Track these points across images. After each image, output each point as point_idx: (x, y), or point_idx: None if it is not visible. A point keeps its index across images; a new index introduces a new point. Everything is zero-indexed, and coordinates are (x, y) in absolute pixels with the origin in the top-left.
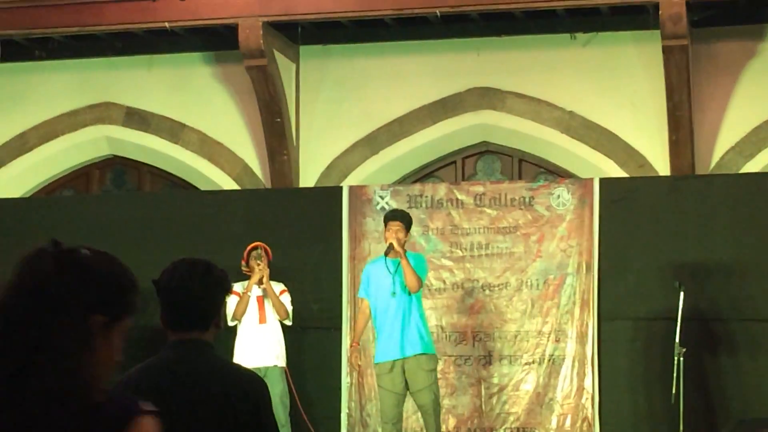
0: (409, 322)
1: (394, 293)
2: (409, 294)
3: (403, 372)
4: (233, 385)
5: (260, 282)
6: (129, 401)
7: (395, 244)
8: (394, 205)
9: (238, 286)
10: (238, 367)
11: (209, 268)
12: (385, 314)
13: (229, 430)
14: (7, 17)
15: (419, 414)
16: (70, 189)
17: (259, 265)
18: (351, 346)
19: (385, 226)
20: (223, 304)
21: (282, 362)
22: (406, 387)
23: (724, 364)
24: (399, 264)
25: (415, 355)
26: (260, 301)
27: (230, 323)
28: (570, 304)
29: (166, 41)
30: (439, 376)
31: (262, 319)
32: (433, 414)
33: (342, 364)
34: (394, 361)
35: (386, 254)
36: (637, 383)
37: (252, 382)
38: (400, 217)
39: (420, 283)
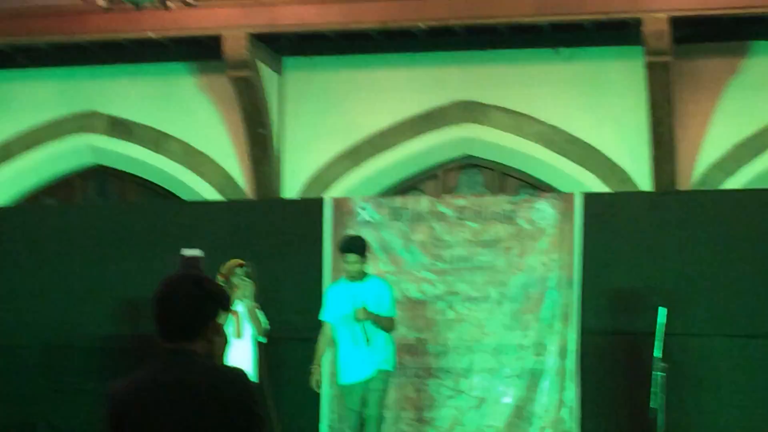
0: (368, 346)
1: (354, 319)
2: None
3: (363, 390)
4: (219, 387)
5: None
6: None
7: (361, 315)
8: (377, 217)
9: None
10: (224, 368)
11: (198, 281)
12: (345, 338)
13: (215, 428)
14: None
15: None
16: (52, 198)
17: (244, 281)
18: (313, 367)
19: (342, 256)
20: (214, 317)
21: (254, 377)
22: (365, 403)
23: (704, 379)
24: (360, 288)
25: (372, 378)
26: (236, 316)
27: None
28: (551, 317)
29: (150, 51)
30: (419, 388)
31: (239, 334)
32: (376, 424)
33: (324, 376)
34: (353, 384)
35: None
36: (618, 398)
37: (238, 378)
38: (354, 248)
39: (393, 323)
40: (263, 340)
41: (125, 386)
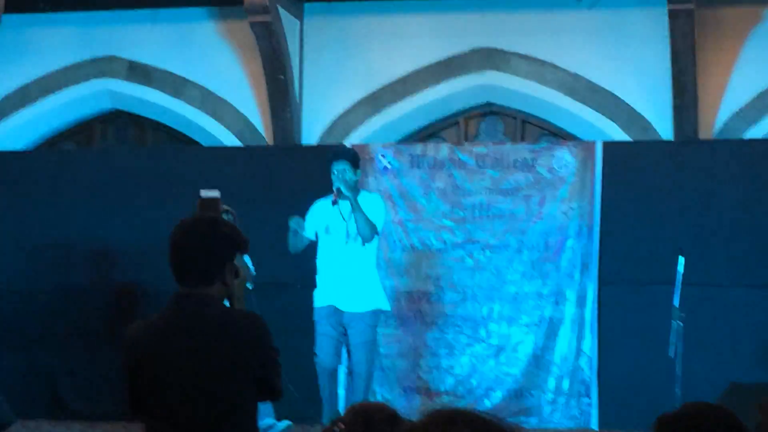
0: (358, 274)
1: (348, 240)
2: (363, 243)
3: (342, 321)
4: (232, 331)
5: None
6: None
7: (343, 189)
8: (396, 164)
9: None
10: (237, 312)
11: (212, 223)
12: (334, 260)
13: (230, 373)
14: None
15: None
16: (72, 143)
17: None
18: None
19: (330, 168)
20: (229, 260)
21: None
22: (345, 334)
23: (722, 329)
24: (351, 209)
25: (354, 321)
26: None
27: None
28: (570, 266)
29: None
30: (437, 336)
31: None
32: (365, 376)
33: None
34: (327, 306)
35: (333, 202)
36: (636, 347)
37: (251, 322)
38: (344, 155)
39: (373, 231)
40: (250, 286)
41: (141, 331)
